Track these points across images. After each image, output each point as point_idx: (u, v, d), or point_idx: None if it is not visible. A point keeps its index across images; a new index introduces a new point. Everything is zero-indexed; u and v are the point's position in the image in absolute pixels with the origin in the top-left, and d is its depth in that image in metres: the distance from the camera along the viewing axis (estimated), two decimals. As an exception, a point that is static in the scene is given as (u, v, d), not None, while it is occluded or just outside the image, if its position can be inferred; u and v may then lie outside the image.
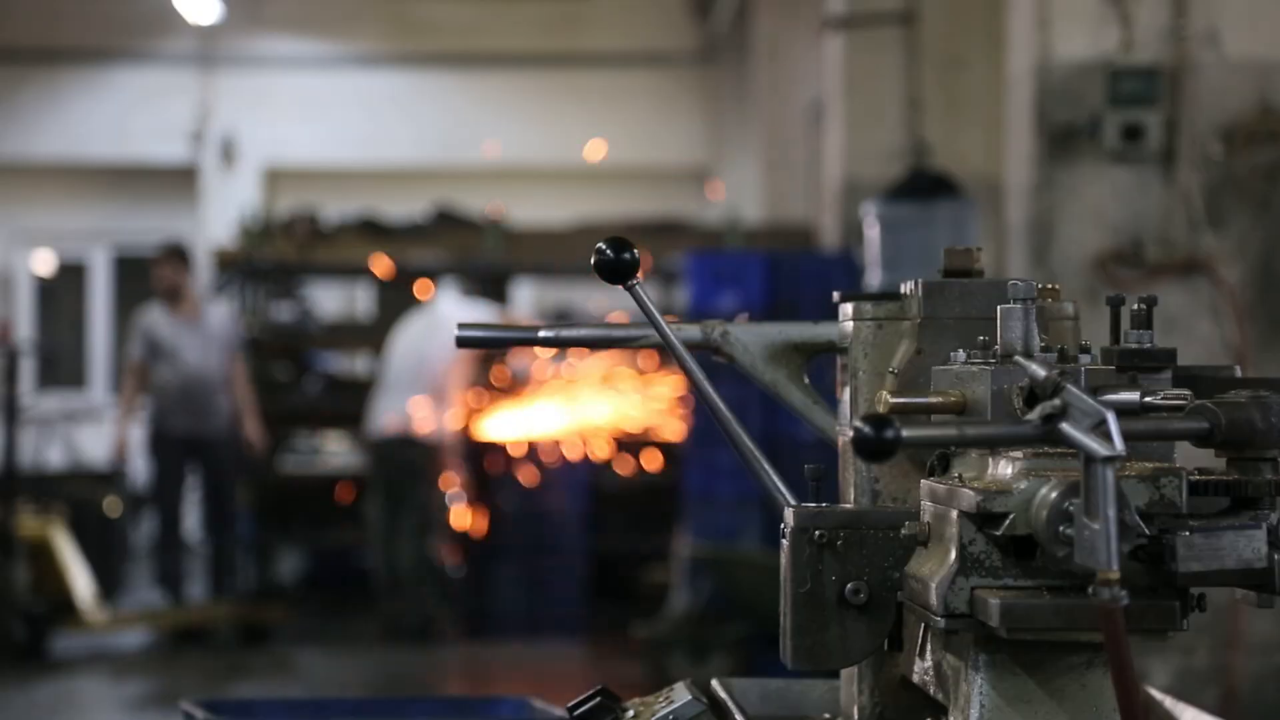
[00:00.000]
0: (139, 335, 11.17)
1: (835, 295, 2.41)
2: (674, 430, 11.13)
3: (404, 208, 13.98)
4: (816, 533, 2.08)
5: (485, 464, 11.19)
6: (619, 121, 17.69)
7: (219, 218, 16.42)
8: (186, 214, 17.69)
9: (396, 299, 13.04)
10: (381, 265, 12.39)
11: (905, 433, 1.75)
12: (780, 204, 14.13)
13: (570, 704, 2.51)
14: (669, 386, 11.23)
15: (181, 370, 11.04)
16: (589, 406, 11.39)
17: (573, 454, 11.14)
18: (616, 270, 2.29)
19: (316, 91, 17.48)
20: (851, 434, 1.81)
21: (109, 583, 11.58)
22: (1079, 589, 1.85)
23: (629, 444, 11.99)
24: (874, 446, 1.75)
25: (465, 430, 11.24)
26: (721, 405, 2.30)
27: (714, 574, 9.18)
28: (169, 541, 11.22)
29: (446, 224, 12.96)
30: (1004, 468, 1.92)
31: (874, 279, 8.55)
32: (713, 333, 2.44)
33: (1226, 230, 6.66)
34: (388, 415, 11.05)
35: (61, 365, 17.09)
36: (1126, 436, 1.74)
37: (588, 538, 11.09)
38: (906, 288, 2.30)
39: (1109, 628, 1.71)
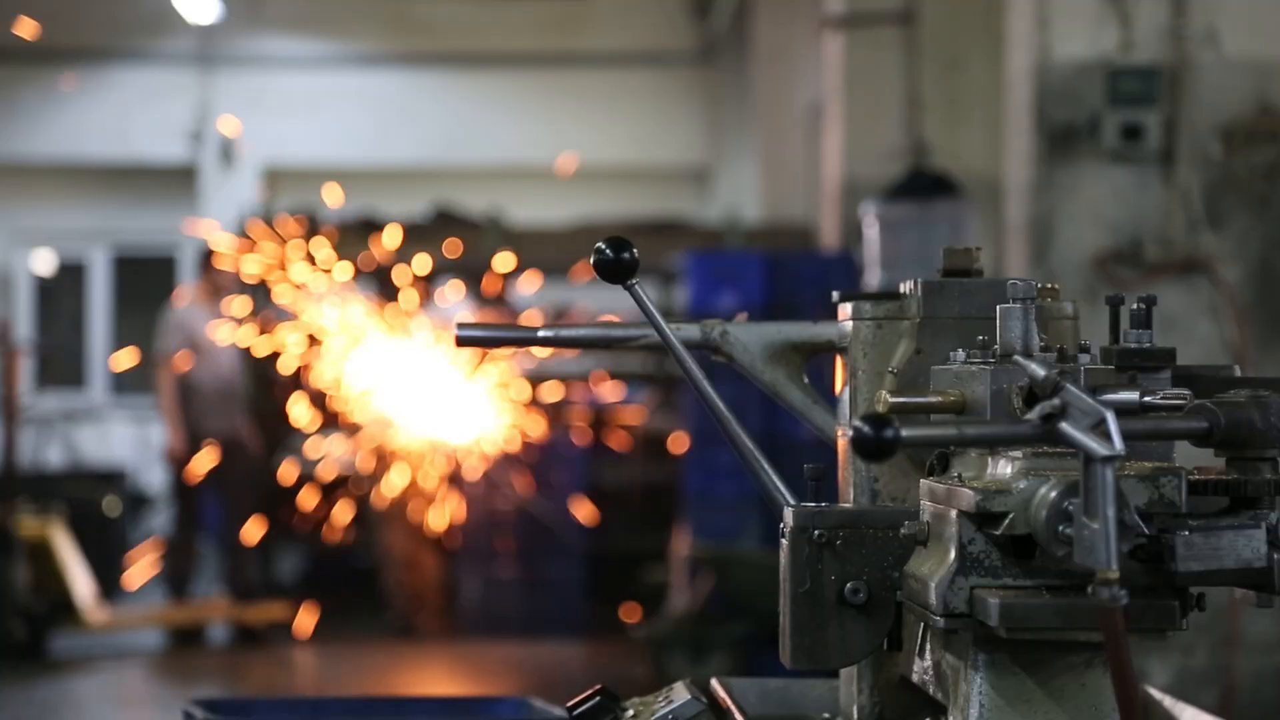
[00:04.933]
0: (175, 329, 11.04)
1: (835, 295, 2.41)
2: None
3: (404, 208, 13.98)
4: (816, 532, 2.08)
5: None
6: (619, 121, 17.69)
7: (218, 217, 16.41)
8: (186, 214, 17.68)
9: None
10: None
11: (905, 432, 1.75)
12: (780, 204, 14.13)
13: (570, 704, 2.52)
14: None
15: (216, 370, 11.05)
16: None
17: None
18: (616, 270, 2.29)
19: (316, 91, 17.47)
20: (851, 434, 1.81)
21: (109, 583, 11.58)
22: (1078, 588, 1.85)
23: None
24: (873, 446, 1.75)
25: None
26: (721, 405, 2.30)
27: (713, 574, 9.18)
28: (185, 543, 11.17)
29: (446, 224, 12.95)
30: (1003, 467, 1.93)
31: (873, 279, 8.55)
32: (712, 332, 2.44)
33: (1226, 230, 6.66)
34: None
35: (61, 365, 17.09)
36: (1126, 436, 1.74)
37: (588, 538, 11.09)
38: (906, 287, 2.30)
39: (1108, 627, 1.71)
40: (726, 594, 9.06)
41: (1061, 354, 2.03)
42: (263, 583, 11.63)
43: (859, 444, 1.75)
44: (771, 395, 2.45)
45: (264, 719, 2.98)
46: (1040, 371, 1.89)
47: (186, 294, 11.31)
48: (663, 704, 2.46)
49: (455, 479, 11.15)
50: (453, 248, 12.25)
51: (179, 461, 10.98)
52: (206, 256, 11.33)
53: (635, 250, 2.30)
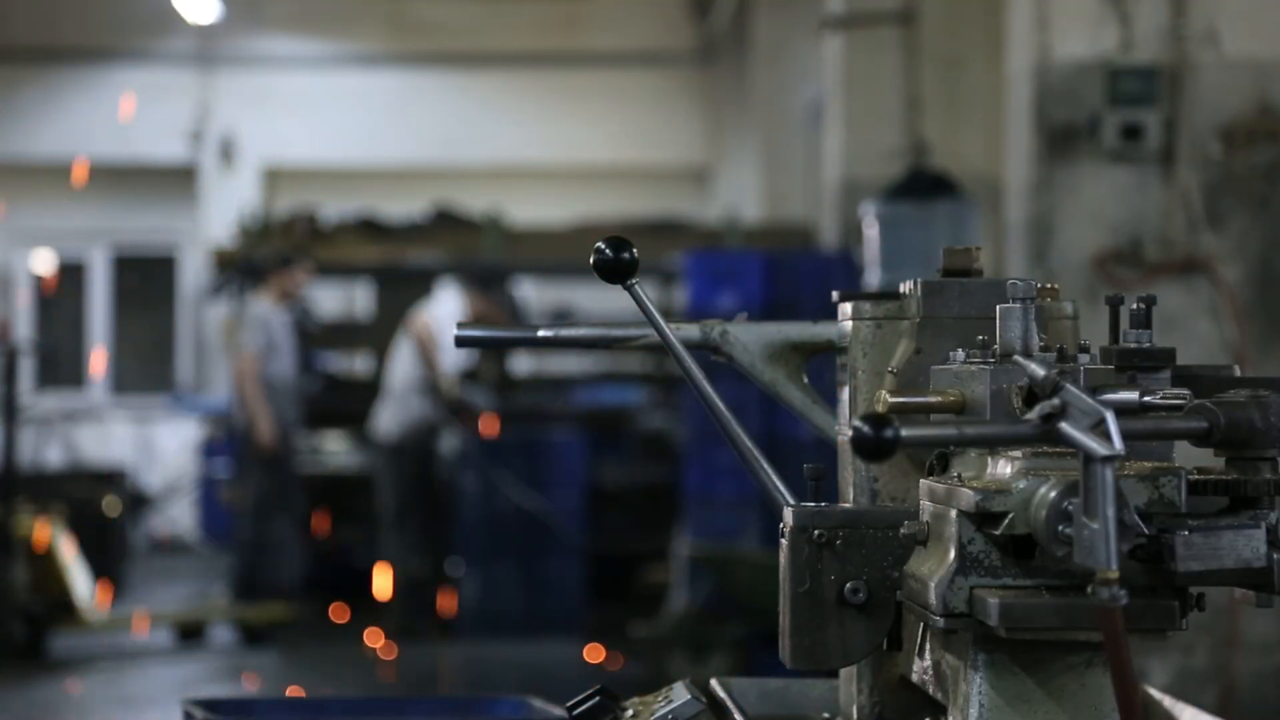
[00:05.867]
0: (260, 327, 11.14)
1: (834, 295, 2.41)
2: None
3: (403, 207, 13.98)
4: (815, 532, 2.08)
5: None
6: (619, 121, 17.69)
7: (218, 217, 16.42)
8: (186, 214, 17.68)
9: (396, 299, 13.05)
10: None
11: (904, 432, 1.75)
12: (780, 204, 14.14)
13: (570, 703, 2.52)
14: None
15: (285, 371, 11.19)
16: None
17: None
18: (616, 270, 2.29)
19: (316, 91, 17.48)
20: (850, 433, 1.81)
21: (109, 583, 11.58)
22: (1078, 588, 1.85)
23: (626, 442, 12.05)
24: (873, 446, 1.75)
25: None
26: (721, 405, 2.30)
27: (713, 573, 9.18)
28: (259, 543, 11.18)
29: (446, 224, 12.96)
30: (1003, 467, 1.93)
31: (873, 278, 8.55)
32: (712, 332, 2.44)
33: (1225, 230, 6.66)
34: (387, 418, 11.27)
35: (61, 365, 17.09)
36: (1125, 436, 1.74)
37: (587, 538, 11.09)
38: (905, 287, 2.30)
39: (1108, 627, 1.71)
40: (726, 594, 9.06)
41: (1061, 354, 2.03)
42: (264, 582, 11.62)
43: (859, 444, 1.75)
44: (771, 395, 2.45)
45: (264, 719, 2.99)
46: (1040, 371, 1.89)
47: (264, 294, 11.37)
48: (663, 704, 2.45)
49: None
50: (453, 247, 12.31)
51: (271, 454, 11.03)
52: (281, 260, 11.41)
53: (635, 250, 2.30)
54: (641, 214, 14.44)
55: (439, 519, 11.16)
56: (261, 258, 11.87)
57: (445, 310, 11.15)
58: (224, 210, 16.21)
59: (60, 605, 10.28)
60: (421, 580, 11.17)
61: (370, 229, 12.75)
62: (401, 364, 11.31)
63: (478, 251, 12.42)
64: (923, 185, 8.76)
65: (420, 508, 11.23)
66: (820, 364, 2.46)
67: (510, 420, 11.84)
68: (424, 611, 11.00)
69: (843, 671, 2.33)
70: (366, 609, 11.44)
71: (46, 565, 10.35)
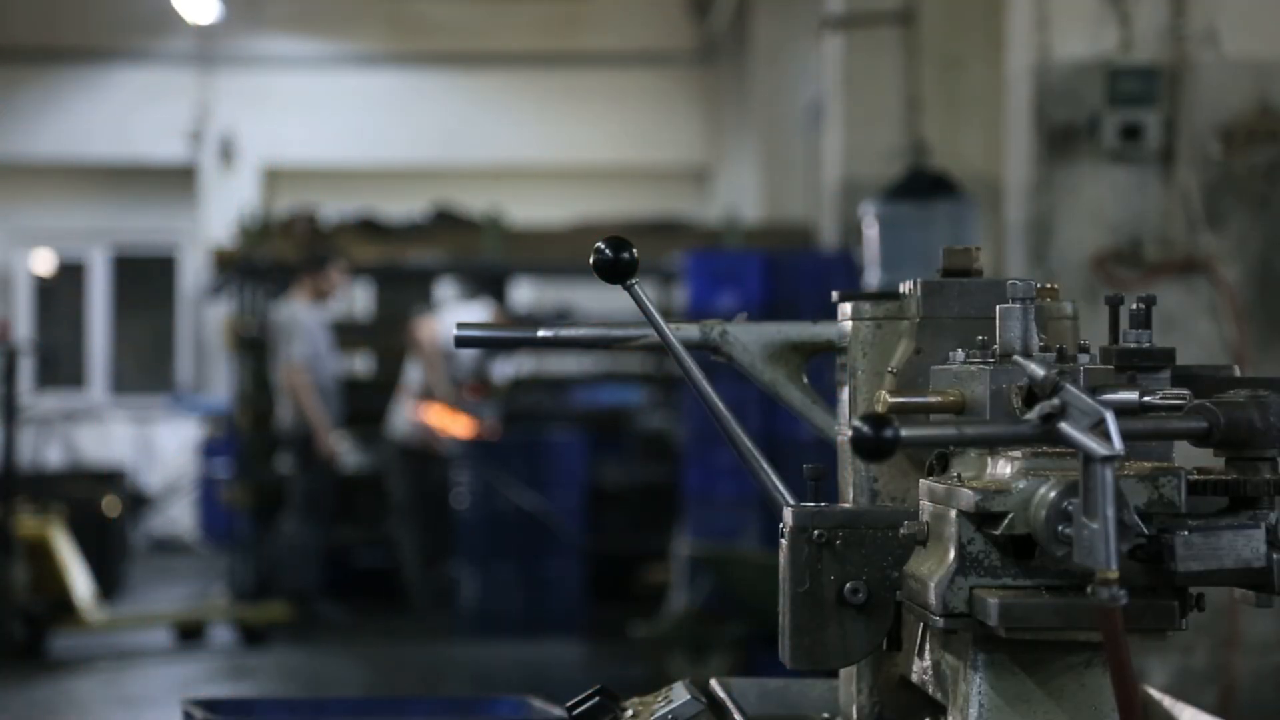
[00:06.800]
0: (305, 333, 11.11)
1: (834, 295, 2.41)
2: None
3: (403, 207, 13.99)
4: (815, 532, 2.08)
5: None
6: (618, 121, 17.69)
7: (218, 217, 16.42)
8: (186, 214, 17.68)
9: (396, 299, 13.06)
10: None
11: (904, 432, 1.75)
12: (780, 204, 14.14)
13: (570, 703, 2.52)
14: None
15: (328, 372, 11.22)
16: None
17: None
18: (615, 270, 2.29)
19: (316, 91, 17.48)
20: (850, 433, 1.81)
21: (109, 583, 11.58)
22: (1078, 588, 1.85)
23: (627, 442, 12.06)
24: (873, 446, 1.75)
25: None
26: (721, 405, 2.30)
27: (713, 573, 9.17)
28: (289, 543, 11.20)
29: (445, 224, 12.96)
30: (1003, 467, 1.93)
31: (873, 278, 8.55)
32: (711, 332, 2.44)
33: (1225, 230, 6.66)
34: (401, 418, 11.39)
35: (60, 365, 17.09)
36: (1125, 436, 1.74)
37: (587, 538, 11.09)
38: (905, 287, 2.30)
39: (1108, 627, 1.71)
40: (726, 594, 9.06)
41: (1061, 354, 2.03)
42: (261, 582, 11.62)
43: (859, 444, 1.75)
44: (771, 395, 2.45)
45: (264, 719, 2.99)
46: (1040, 371, 1.89)
47: (298, 295, 11.34)
48: (662, 704, 2.45)
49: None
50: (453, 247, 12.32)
51: (331, 460, 11.06)
52: (316, 260, 11.40)
53: (635, 250, 2.30)
54: (641, 214, 14.44)
55: (443, 519, 11.17)
56: (289, 258, 11.86)
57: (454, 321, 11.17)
58: (224, 210, 16.21)
59: (60, 605, 10.28)
60: (428, 578, 11.23)
61: (370, 229, 12.74)
62: (412, 368, 11.45)
63: (478, 251, 12.42)
64: (923, 185, 8.76)
65: (426, 507, 11.29)
66: (820, 364, 2.46)
67: (510, 420, 11.86)
68: (432, 609, 11.06)
69: (843, 671, 2.33)
70: (368, 608, 11.45)
71: (46, 565, 10.35)
